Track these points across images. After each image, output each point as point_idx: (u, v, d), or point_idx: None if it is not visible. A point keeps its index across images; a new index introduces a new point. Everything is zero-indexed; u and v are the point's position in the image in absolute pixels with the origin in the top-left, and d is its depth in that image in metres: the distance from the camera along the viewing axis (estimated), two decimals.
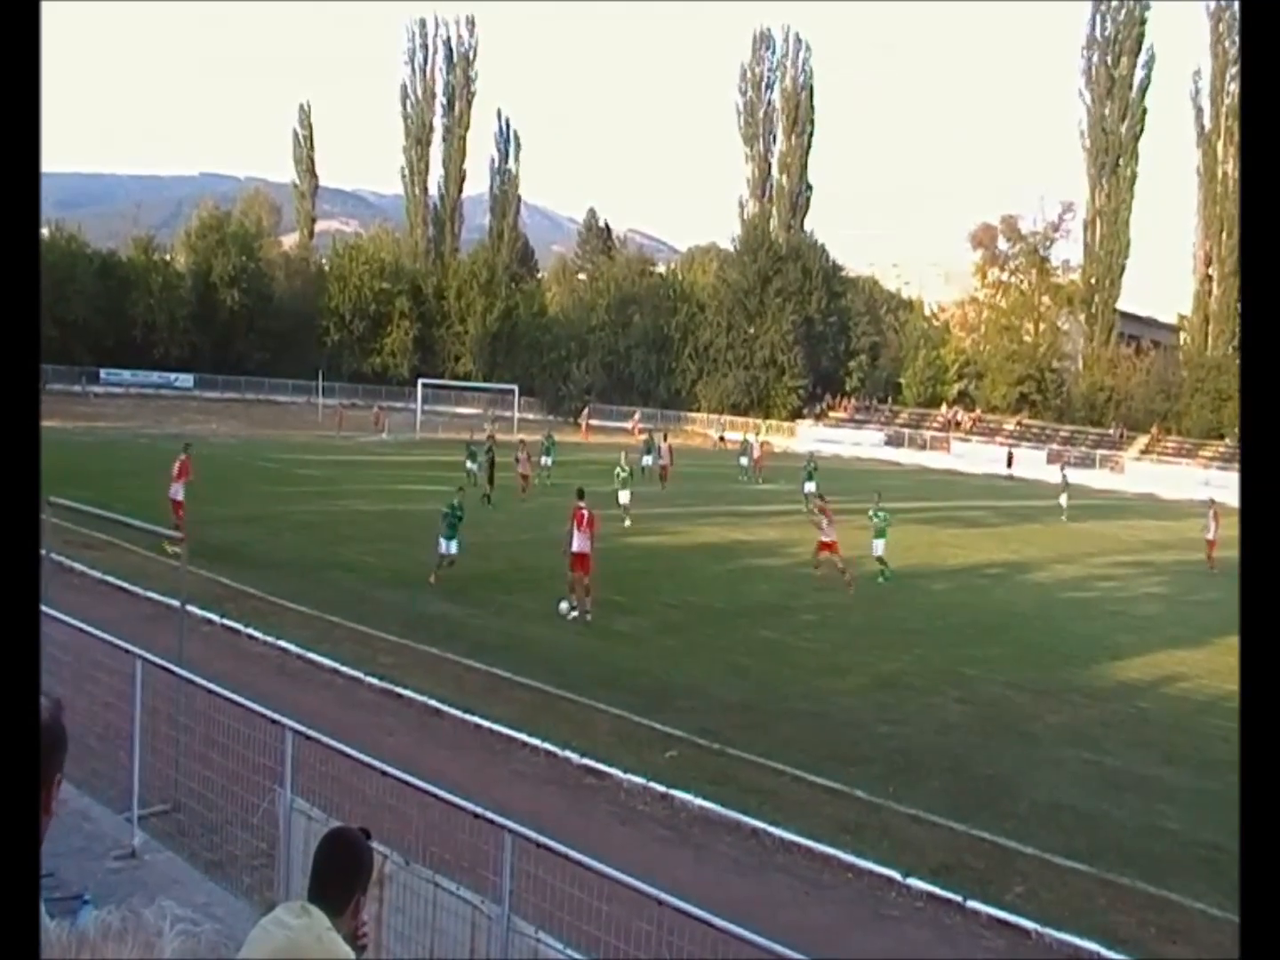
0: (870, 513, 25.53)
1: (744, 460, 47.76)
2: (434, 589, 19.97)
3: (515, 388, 71.53)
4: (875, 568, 24.53)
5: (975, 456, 69.01)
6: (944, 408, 78.78)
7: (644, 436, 50.30)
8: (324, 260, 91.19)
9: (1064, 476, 49.07)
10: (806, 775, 11.87)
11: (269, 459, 35.22)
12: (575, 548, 19.19)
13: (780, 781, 11.74)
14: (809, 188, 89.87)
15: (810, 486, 36.36)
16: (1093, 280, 75.94)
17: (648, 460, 43.88)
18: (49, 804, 2.62)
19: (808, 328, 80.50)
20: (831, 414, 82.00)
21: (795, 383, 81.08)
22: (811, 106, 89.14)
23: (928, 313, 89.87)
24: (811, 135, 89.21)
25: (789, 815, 10.72)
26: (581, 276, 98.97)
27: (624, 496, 30.89)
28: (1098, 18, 75.43)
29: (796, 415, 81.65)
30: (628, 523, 29.56)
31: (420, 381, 67.79)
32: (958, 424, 76.21)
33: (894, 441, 75.10)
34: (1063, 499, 43.43)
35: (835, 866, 9.88)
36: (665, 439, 45.51)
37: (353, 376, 79.81)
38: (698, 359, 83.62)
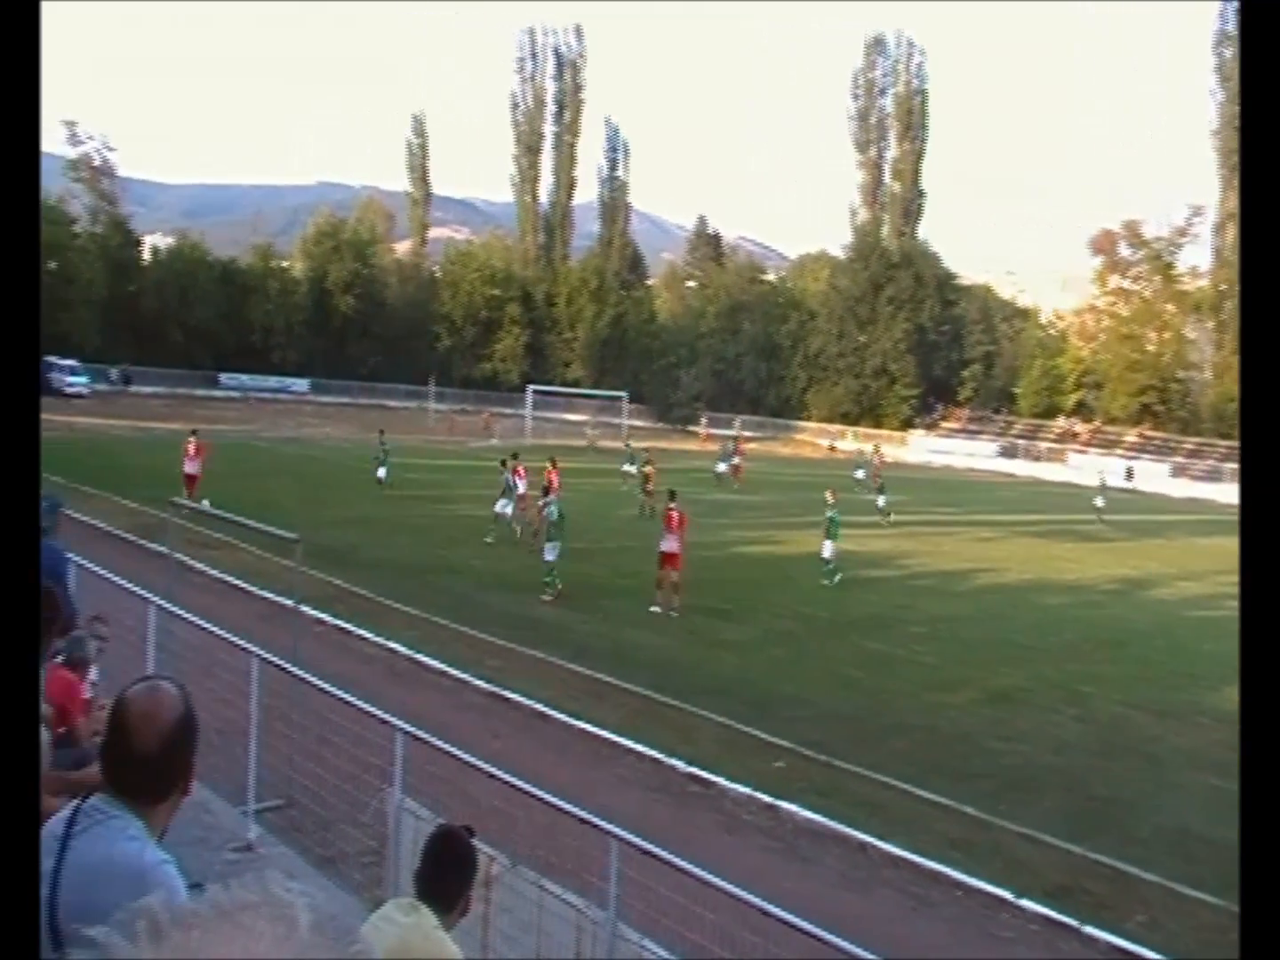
0: (829, 514, 24.80)
1: (859, 473, 47.58)
2: (540, 593, 20.15)
3: (624, 394, 71.77)
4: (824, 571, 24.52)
5: (1093, 469, 67.39)
6: (1061, 418, 76.98)
7: (719, 444, 51.91)
8: (436, 267, 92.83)
9: (1104, 480, 48.15)
10: (916, 789, 11.68)
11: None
12: (664, 547, 20.06)
13: (889, 795, 11.57)
14: (922, 194, 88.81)
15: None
16: (1223, 286, 73.32)
17: (722, 466, 44.94)
18: (188, 788, 2.75)
19: (920, 336, 79.51)
20: (944, 424, 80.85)
21: (907, 392, 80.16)
22: (925, 111, 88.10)
23: (1044, 320, 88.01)
24: (925, 140, 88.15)
25: (897, 829, 10.55)
26: (691, 283, 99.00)
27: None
28: (1228, 12, 72.99)
29: (908, 425, 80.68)
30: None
31: (530, 387, 68.37)
32: (1075, 435, 74.45)
33: (1008, 453, 73.69)
34: (1098, 500, 42.72)
35: (944, 883, 9.69)
36: (737, 443, 48.00)
37: (464, 382, 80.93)
38: (808, 367, 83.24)
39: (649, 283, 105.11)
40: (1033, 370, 79.12)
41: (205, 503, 22.39)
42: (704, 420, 74.91)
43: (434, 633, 16.76)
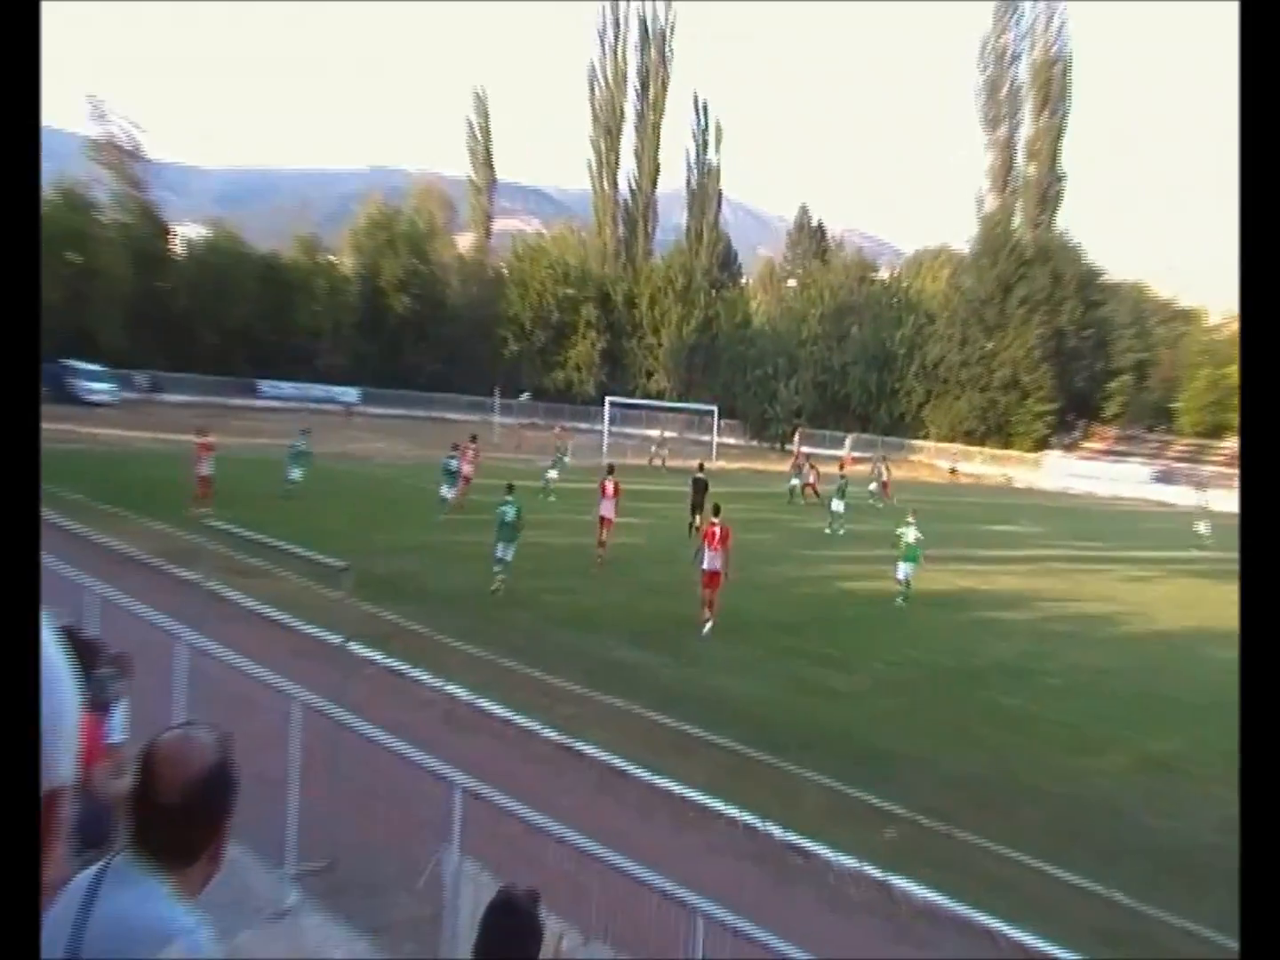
0: (899, 531, 26.54)
1: (871, 486, 50.87)
2: (610, 628, 20.22)
3: (714, 408, 72.06)
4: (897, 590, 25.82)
5: None
6: (1231, 438, 75.30)
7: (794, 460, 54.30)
8: (502, 263, 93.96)
9: (1203, 500, 47.25)
10: (1053, 868, 11.45)
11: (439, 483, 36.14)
12: (705, 565, 21.46)
13: (1021, 874, 11.36)
14: (1061, 177, 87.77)
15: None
16: None
17: (794, 482, 48.17)
18: (219, 854, 2.74)
19: (1058, 342, 78.44)
20: (1086, 444, 79.66)
21: (1041, 407, 79.10)
22: (1066, 81, 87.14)
23: (1211, 324, 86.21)
24: (1065, 115, 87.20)
25: (1030, 915, 10.34)
26: (791, 283, 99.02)
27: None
28: None
29: (1042, 445, 79.58)
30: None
31: (608, 400, 68.59)
32: None
33: (1165, 478, 72.22)
34: (1202, 526, 42.34)
35: None
36: (809, 462, 50.58)
37: (534, 393, 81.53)
38: (925, 378, 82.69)
39: (744, 282, 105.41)
40: (1197, 382, 77.61)
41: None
42: (796, 437, 74.46)
43: (498, 675, 16.86)
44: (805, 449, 71.61)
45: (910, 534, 26.01)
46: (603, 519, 27.92)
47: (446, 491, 32.69)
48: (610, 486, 28.38)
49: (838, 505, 38.09)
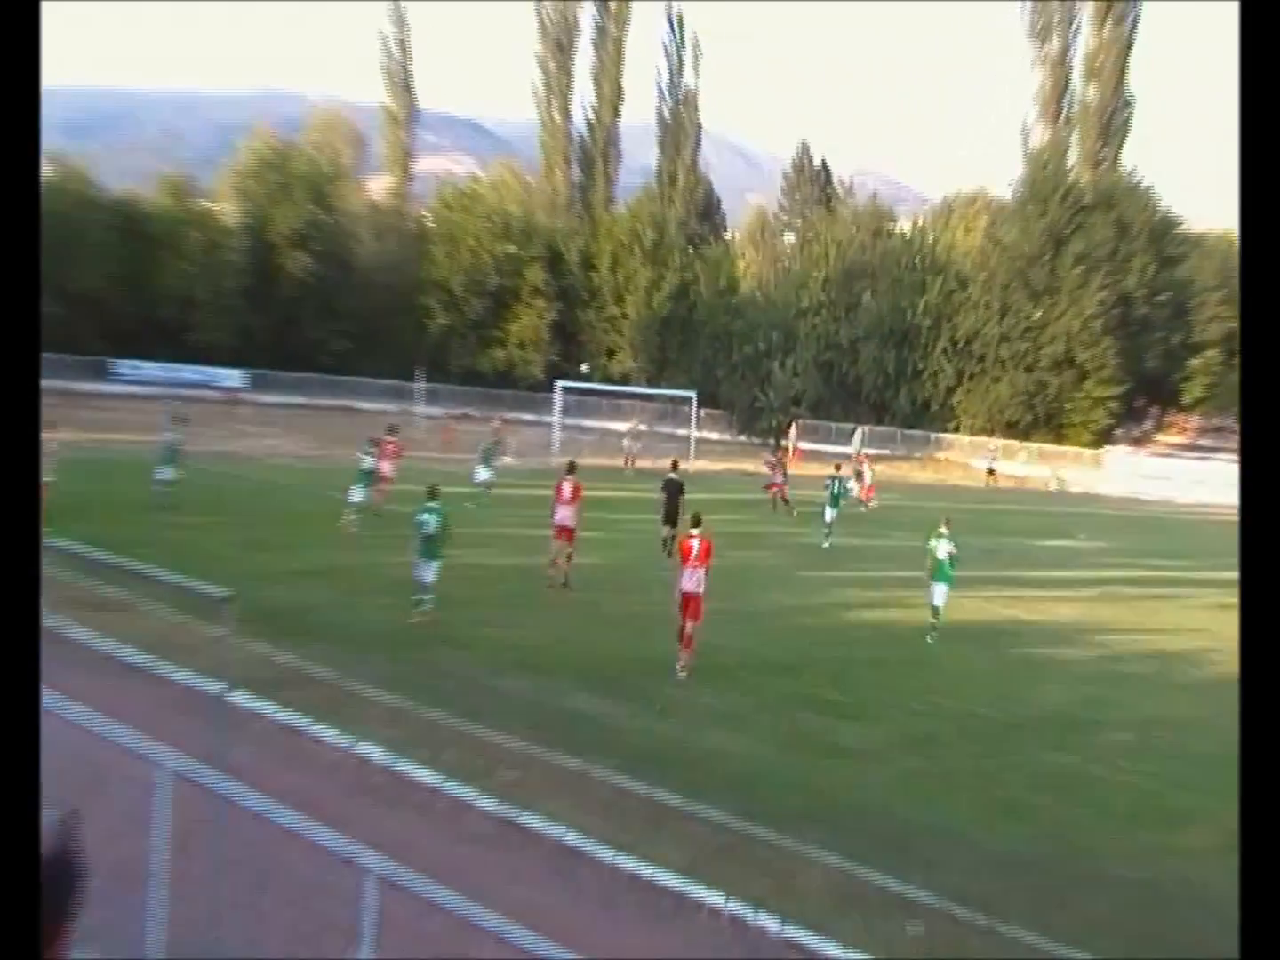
0: (930, 544, 26.40)
1: (850, 483, 49.77)
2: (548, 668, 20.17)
3: (693, 395, 71.23)
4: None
5: None
6: None
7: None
8: (426, 214, 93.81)
9: None
10: None
11: (334, 494, 35.79)
12: (684, 585, 21.46)
13: None
14: (1129, 102, 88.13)
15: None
16: None
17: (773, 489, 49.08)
18: (56, 955, 2.69)
19: (1124, 310, 78.64)
20: (1160, 438, 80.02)
21: (1103, 391, 79.22)
22: None
23: None
24: (1135, 24, 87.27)
25: None
26: (789, 238, 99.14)
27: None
28: None
29: (1104, 439, 79.80)
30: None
31: (559, 385, 68.14)
32: None
33: None
34: None
35: None
36: (780, 459, 51.33)
37: (466, 377, 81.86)
38: (956, 357, 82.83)
39: (728, 237, 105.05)
40: None
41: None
42: (793, 431, 74.70)
43: (425, 731, 16.74)
44: (804, 445, 71.79)
45: (943, 548, 25.92)
46: (560, 529, 27.74)
47: (358, 494, 32.84)
48: (568, 488, 28.07)
49: (831, 514, 38.97)
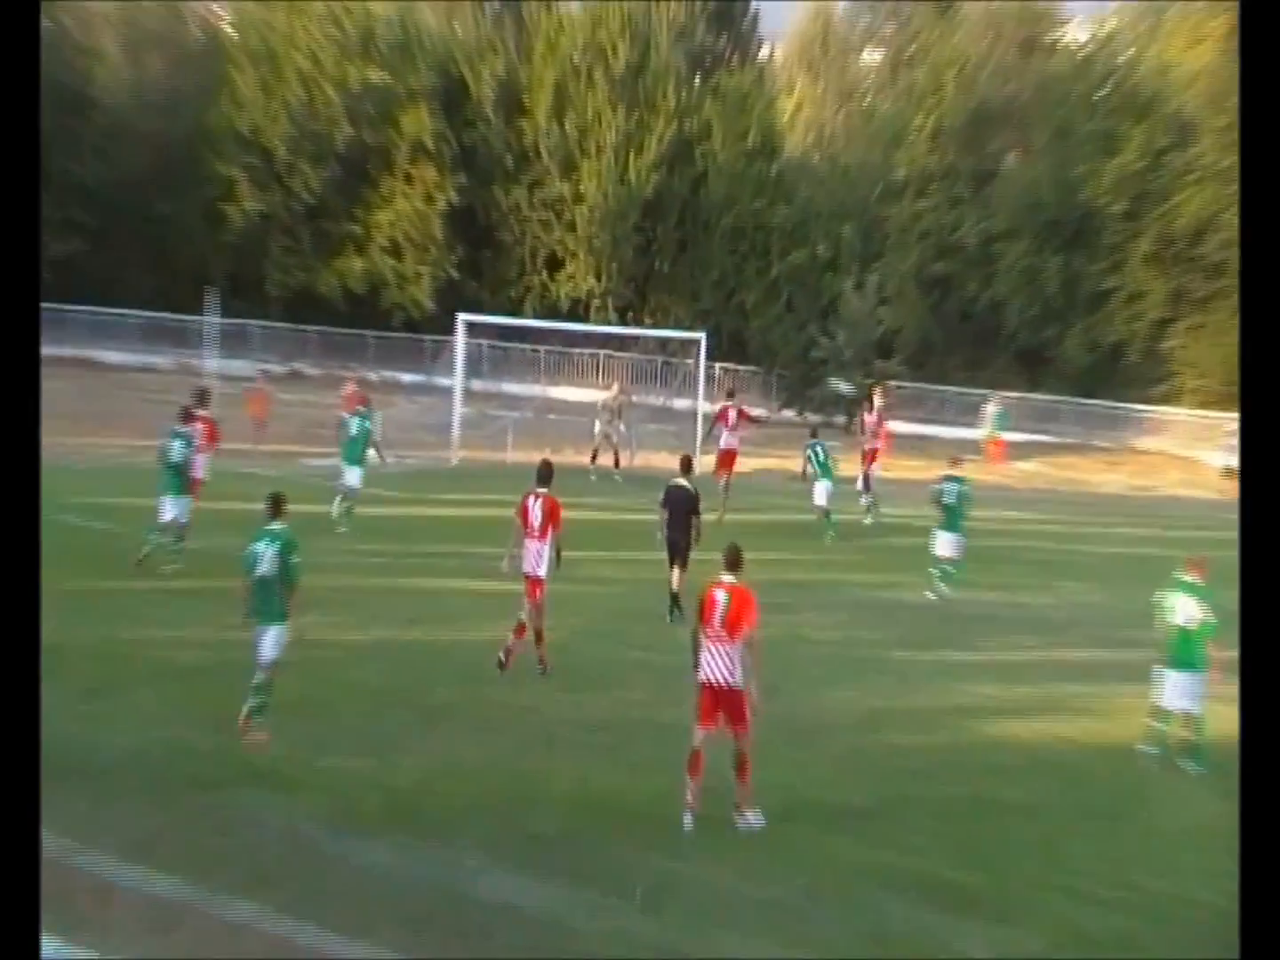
0: (1161, 598, 14.95)
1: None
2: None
3: (701, 336, 41.44)
4: None
5: None
6: None
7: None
8: (223, 13, 61.17)
9: None
10: None
11: (92, 507, 24.20)
12: (712, 674, 12.61)
13: None
14: None
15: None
16: None
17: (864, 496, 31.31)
18: None
19: None
20: None
21: None
22: None
23: None
24: None
25: None
26: (872, 56, 64.14)
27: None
28: None
29: None
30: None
31: (461, 319, 40.07)
32: None
33: None
34: None
35: None
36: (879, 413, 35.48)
37: (295, 305, 54.26)
38: (1174, 268, 52.11)
39: (763, 58, 63.66)
40: None
41: None
42: (877, 397, 38.06)
43: (210, 936, 9.61)
44: (896, 425, 43.54)
45: (1188, 608, 15.23)
46: (530, 580, 17.55)
47: (169, 509, 21.41)
48: (538, 511, 17.53)
49: (950, 544, 24.25)
